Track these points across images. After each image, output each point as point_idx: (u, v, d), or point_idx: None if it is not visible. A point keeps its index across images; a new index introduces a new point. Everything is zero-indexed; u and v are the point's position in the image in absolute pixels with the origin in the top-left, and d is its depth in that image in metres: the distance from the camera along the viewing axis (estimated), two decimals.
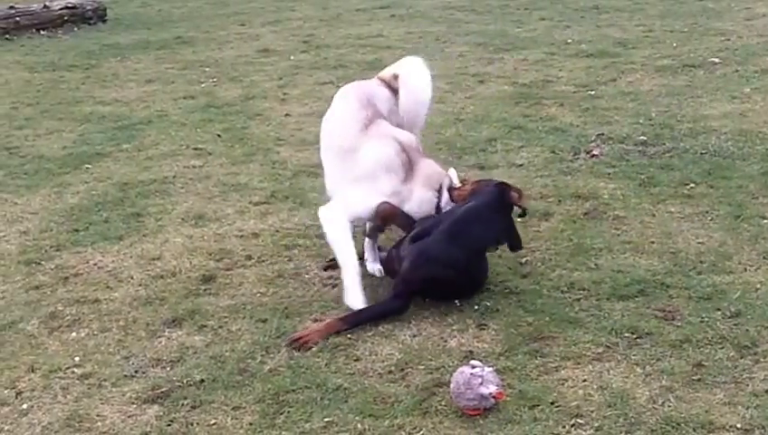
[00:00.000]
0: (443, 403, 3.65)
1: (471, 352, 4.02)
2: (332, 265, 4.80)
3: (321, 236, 5.29)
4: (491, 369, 3.65)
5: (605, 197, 5.72)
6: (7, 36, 12.63)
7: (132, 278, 4.97)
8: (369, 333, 4.22)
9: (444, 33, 11.33)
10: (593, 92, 8.16)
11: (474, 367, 3.61)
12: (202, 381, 3.92)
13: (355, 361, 4.01)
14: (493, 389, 3.55)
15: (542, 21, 11.80)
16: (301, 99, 8.55)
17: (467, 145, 6.89)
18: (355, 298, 4.43)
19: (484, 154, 6.67)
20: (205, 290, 4.80)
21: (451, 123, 7.47)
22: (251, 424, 3.61)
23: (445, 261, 4.36)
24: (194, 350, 4.20)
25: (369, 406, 3.66)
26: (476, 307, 4.40)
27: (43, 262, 5.24)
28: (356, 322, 4.30)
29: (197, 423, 3.65)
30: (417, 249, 4.42)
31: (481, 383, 3.53)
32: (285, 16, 13.27)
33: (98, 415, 3.75)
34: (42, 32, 12.96)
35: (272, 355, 4.09)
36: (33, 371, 4.11)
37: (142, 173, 6.66)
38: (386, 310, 4.38)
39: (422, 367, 3.92)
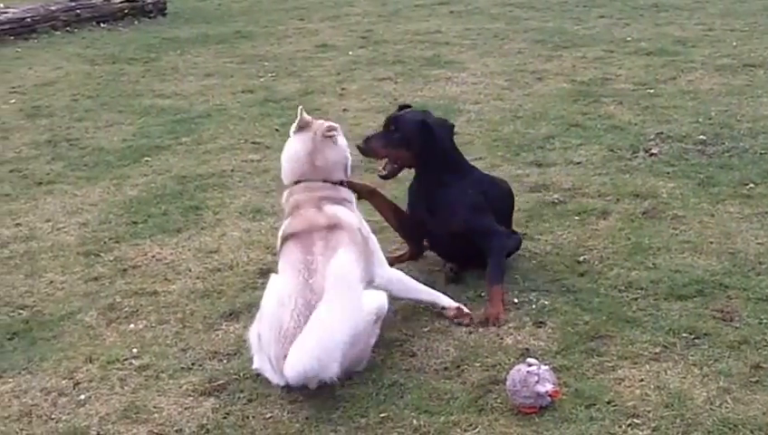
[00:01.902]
0: (498, 401, 3.65)
1: (527, 349, 4.00)
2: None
3: (376, 232, 5.33)
4: (547, 367, 3.64)
5: (664, 196, 5.66)
6: (68, 29, 12.84)
7: (190, 271, 5.02)
8: (426, 329, 4.23)
9: (502, 29, 11.28)
10: (652, 91, 8.07)
11: (530, 365, 3.59)
12: (258, 375, 3.94)
13: (411, 356, 4.02)
14: (549, 387, 3.54)
15: (601, 18, 11.70)
16: (359, 94, 8.57)
17: (525, 142, 6.85)
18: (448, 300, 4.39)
19: (542, 152, 6.63)
20: (262, 284, 4.76)
21: (509, 120, 7.44)
22: (307, 418, 3.63)
23: None
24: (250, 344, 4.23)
25: (424, 402, 3.67)
26: (533, 305, 4.38)
27: (102, 254, 5.32)
28: (500, 273, 4.46)
29: (254, 416, 3.68)
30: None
31: (537, 381, 3.52)
32: (344, 12, 13.31)
33: (155, 407, 3.79)
34: (102, 25, 13.16)
35: None
36: (90, 361, 4.17)
37: (201, 166, 6.73)
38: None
39: (478, 364, 3.92)
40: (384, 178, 4.76)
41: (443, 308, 4.32)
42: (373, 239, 4.34)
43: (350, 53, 10.45)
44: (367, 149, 4.70)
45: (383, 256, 4.37)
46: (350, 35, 11.48)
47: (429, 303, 4.37)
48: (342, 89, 8.79)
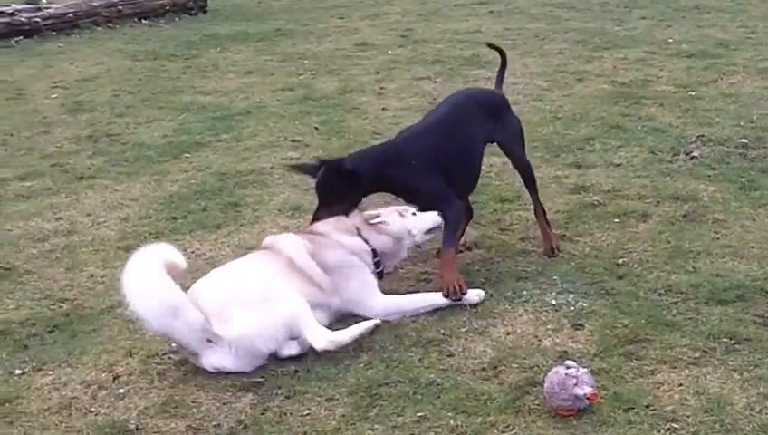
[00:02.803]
0: (536, 403, 3.64)
1: (565, 352, 3.99)
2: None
3: None
4: (586, 370, 3.62)
5: (704, 199, 5.61)
6: (110, 25, 12.97)
7: None
8: (463, 330, 4.22)
9: (543, 30, 11.23)
10: (693, 93, 8.01)
11: (568, 367, 3.58)
12: (296, 371, 3.96)
13: (448, 356, 4.01)
14: (587, 390, 3.52)
15: (643, 20, 11.62)
16: (398, 93, 8.57)
17: (564, 143, 6.82)
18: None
19: (582, 153, 6.60)
20: None
21: (548, 121, 7.41)
22: (344, 416, 3.64)
23: None
24: None
25: (461, 402, 3.66)
26: (571, 307, 4.36)
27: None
28: (453, 239, 4.60)
29: (291, 413, 3.69)
30: None
31: (575, 384, 3.50)
32: (384, 11, 13.32)
33: (193, 401, 3.81)
34: (143, 21, 13.28)
35: (365, 348, 4.11)
36: (130, 355, 4.20)
37: (240, 163, 6.76)
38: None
39: (515, 365, 3.91)
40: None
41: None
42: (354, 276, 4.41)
43: (390, 51, 10.45)
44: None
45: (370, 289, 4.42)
46: (390, 34, 11.48)
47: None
48: (381, 88, 8.80)
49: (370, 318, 4.22)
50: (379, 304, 4.38)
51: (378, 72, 9.48)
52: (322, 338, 4.02)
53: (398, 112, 7.92)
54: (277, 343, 4.02)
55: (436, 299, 4.42)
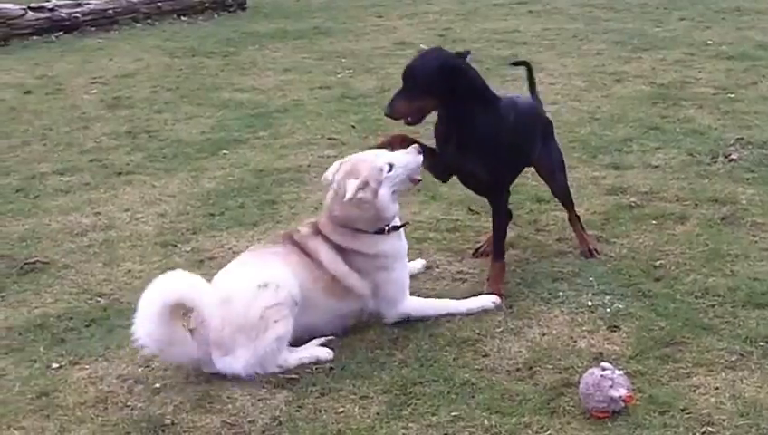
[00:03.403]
0: (571, 404, 3.62)
1: (601, 353, 3.97)
2: (483, 251, 4.94)
3: (452, 230, 5.36)
4: (621, 372, 3.60)
5: (743, 202, 5.56)
6: (149, 21, 13.07)
7: None
8: (498, 330, 4.22)
9: (581, 30, 11.18)
10: (733, 95, 7.93)
11: (604, 369, 3.56)
12: (331, 368, 3.98)
13: (483, 356, 4.01)
14: (623, 392, 3.50)
15: (682, 21, 11.53)
16: None
17: (602, 144, 6.78)
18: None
19: (620, 154, 6.56)
20: None
21: (586, 122, 7.37)
22: (378, 414, 3.65)
23: None
24: (324, 337, 4.25)
25: (496, 403, 3.66)
26: (607, 309, 4.34)
27: (179, 244, 5.40)
28: (502, 252, 4.60)
29: (325, 410, 3.70)
30: None
31: (611, 386, 3.49)
32: (422, 9, 13.31)
33: (228, 397, 3.83)
34: (182, 18, 13.37)
35: (400, 347, 4.12)
36: None
37: (278, 161, 6.78)
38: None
39: (550, 366, 3.90)
40: (410, 124, 4.59)
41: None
42: (385, 276, 4.26)
43: None
44: (394, 113, 4.53)
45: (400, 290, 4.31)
46: (428, 33, 11.47)
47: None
48: None
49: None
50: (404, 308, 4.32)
51: None
52: (272, 364, 3.99)
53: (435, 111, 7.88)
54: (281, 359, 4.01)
55: (459, 306, 4.37)
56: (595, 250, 4.93)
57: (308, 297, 4.08)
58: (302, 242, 4.21)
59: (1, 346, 4.32)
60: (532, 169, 5.04)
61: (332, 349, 4.10)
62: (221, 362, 3.93)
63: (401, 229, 4.38)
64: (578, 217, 5.06)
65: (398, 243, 4.33)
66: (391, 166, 4.24)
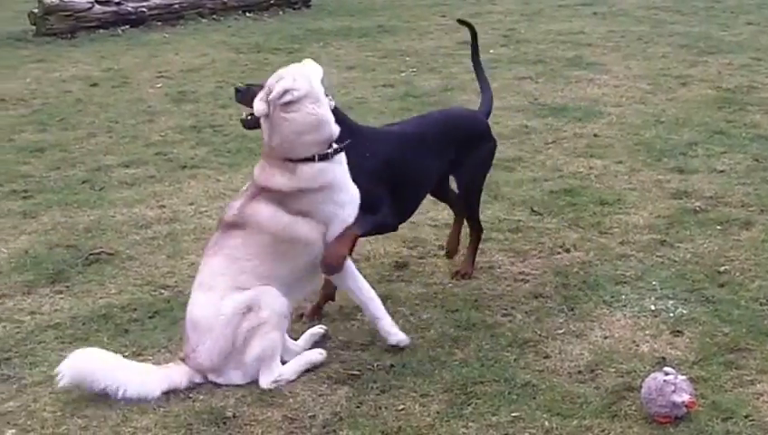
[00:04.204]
0: (632, 408, 3.59)
1: (663, 358, 3.93)
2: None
3: (514, 230, 5.34)
4: (684, 377, 3.57)
5: None
6: (214, 17, 13.19)
7: None
8: (560, 332, 4.20)
9: (647, 33, 11.06)
10: None
11: (667, 374, 3.52)
12: (392, 366, 3.98)
13: (544, 358, 3.99)
14: (685, 397, 3.47)
15: (749, 25, 11.36)
16: (499, 92, 8.46)
17: (667, 148, 6.71)
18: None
19: (684, 158, 6.49)
20: (397, 277, 4.87)
21: (651, 125, 7.30)
22: (438, 412, 3.65)
23: None
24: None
25: (557, 404, 3.64)
26: (671, 314, 4.30)
27: None
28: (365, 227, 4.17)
29: (386, 407, 3.71)
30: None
31: (674, 391, 3.45)
32: (486, 9, 13.27)
33: (289, 392, 3.85)
34: (248, 14, 13.47)
35: (460, 346, 4.12)
36: None
37: None
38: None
39: (612, 370, 3.87)
40: (247, 127, 4.41)
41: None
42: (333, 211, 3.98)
43: (492, 51, 10.40)
44: (243, 99, 4.32)
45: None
46: (492, 33, 11.43)
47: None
48: None
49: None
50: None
51: None
52: (267, 380, 3.94)
53: (499, 112, 7.83)
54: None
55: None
56: (465, 275, 4.78)
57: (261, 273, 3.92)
58: (239, 218, 3.96)
59: (65, 335, 4.38)
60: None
61: (325, 346, 4.14)
62: (221, 380, 3.94)
63: (343, 153, 4.02)
64: (479, 236, 4.89)
65: (340, 169, 4.01)
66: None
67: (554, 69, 9.34)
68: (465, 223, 4.95)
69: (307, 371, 4.00)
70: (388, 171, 4.33)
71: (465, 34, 11.37)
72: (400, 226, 4.58)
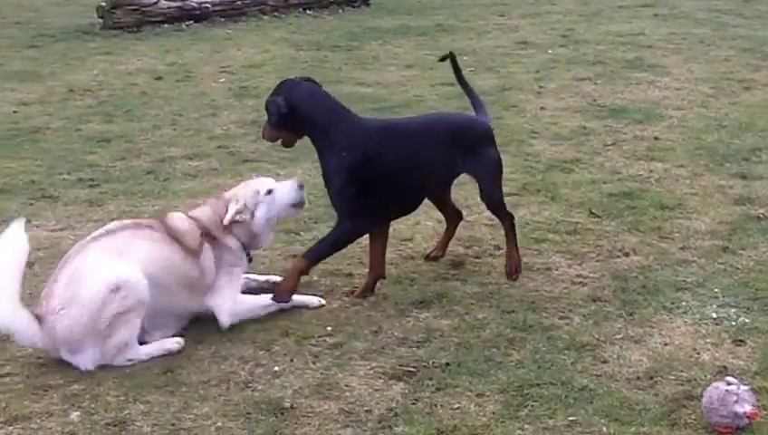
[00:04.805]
0: (692, 417, 3.56)
1: (725, 367, 3.89)
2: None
3: (572, 232, 5.32)
4: (747, 387, 3.52)
5: None
6: (276, 14, 13.28)
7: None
8: (619, 337, 4.17)
9: (708, 35, 10.92)
10: None
11: (729, 383, 3.49)
12: (447, 364, 3.99)
13: (602, 363, 3.97)
14: (748, 408, 3.43)
15: None
16: (557, 93, 8.50)
17: (729, 153, 6.63)
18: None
19: (748, 164, 6.41)
20: (453, 275, 4.87)
21: (713, 129, 7.22)
22: (494, 413, 3.64)
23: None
24: (440, 333, 4.28)
25: (615, 410, 3.61)
26: (733, 322, 4.25)
27: (301, 232, 5.48)
28: (316, 256, 4.54)
29: (441, 405, 3.71)
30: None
31: (736, 401, 3.41)
32: (545, 9, 13.20)
33: (346, 385, 3.88)
34: (308, 11, 13.55)
35: (517, 347, 4.11)
36: (287, 335, 4.30)
37: None
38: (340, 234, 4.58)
39: (672, 377, 3.83)
40: (286, 146, 4.85)
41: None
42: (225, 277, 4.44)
43: (550, 51, 10.36)
44: (266, 138, 4.85)
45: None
46: (551, 33, 11.38)
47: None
48: (540, 87, 8.74)
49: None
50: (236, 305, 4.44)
51: (537, 70, 9.41)
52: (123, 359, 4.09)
53: (557, 112, 7.85)
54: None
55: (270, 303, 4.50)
56: (518, 270, 4.80)
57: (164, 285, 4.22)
58: (176, 227, 4.39)
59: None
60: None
61: (182, 337, 4.26)
62: (69, 357, 4.03)
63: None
64: (514, 231, 4.87)
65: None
66: (270, 191, 4.57)
67: (614, 70, 9.27)
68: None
69: (357, 364, 4.03)
70: (365, 167, 4.49)
71: (523, 34, 11.44)
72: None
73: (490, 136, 4.87)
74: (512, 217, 4.88)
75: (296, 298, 4.52)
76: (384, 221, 4.74)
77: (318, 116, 4.55)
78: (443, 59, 5.14)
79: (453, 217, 5.08)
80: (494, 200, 4.87)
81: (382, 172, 4.54)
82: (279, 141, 4.80)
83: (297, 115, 4.54)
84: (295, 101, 4.54)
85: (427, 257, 5.04)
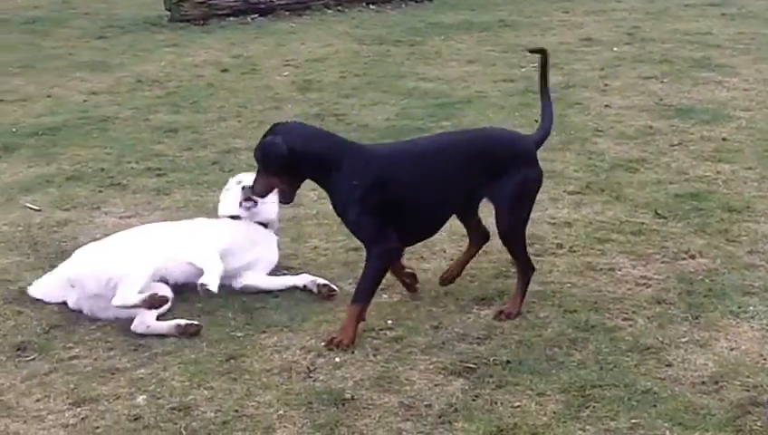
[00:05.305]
0: (758, 424, 3.51)
1: None
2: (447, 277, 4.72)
3: (636, 233, 5.27)
4: None
5: None
6: (339, 8, 13.35)
7: (444, 252, 5.11)
8: (683, 340, 4.12)
9: None
10: None
11: None
12: (508, 362, 3.98)
13: (666, 366, 3.92)
14: None
15: None
16: (622, 91, 8.42)
17: None
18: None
19: None
20: (515, 273, 4.81)
21: None
22: (554, 413, 3.63)
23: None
24: (501, 330, 4.26)
25: (679, 414, 3.57)
26: None
27: None
28: (366, 295, 4.21)
29: (501, 403, 3.70)
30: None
31: None
32: (610, 7, 13.07)
33: (406, 379, 3.89)
34: (371, 6, 13.60)
35: (578, 347, 4.09)
36: None
37: None
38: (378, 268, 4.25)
39: (738, 383, 3.77)
40: (284, 203, 4.59)
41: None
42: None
43: (615, 48, 10.27)
44: (258, 194, 4.50)
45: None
46: (616, 31, 11.27)
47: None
48: (605, 85, 8.67)
49: None
50: None
51: (602, 68, 9.33)
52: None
53: (622, 111, 7.78)
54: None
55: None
56: (509, 315, 4.39)
57: None
58: None
59: (195, 309, 4.53)
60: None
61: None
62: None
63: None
64: (526, 281, 4.45)
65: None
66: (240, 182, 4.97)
67: (681, 69, 9.15)
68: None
69: (417, 358, 4.05)
70: (378, 194, 4.20)
71: (588, 31, 11.33)
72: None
73: (524, 156, 4.40)
74: (532, 268, 4.48)
75: None
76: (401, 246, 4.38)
77: (323, 151, 4.24)
78: (535, 51, 4.71)
79: (478, 238, 4.65)
80: (510, 233, 4.40)
81: (396, 196, 4.23)
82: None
83: (299, 155, 4.20)
84: (294, 140, 4.22)
85: (442, 280, 4.67)
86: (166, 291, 4.49)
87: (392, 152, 4.42)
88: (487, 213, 4.55)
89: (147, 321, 4.32)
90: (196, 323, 4.34)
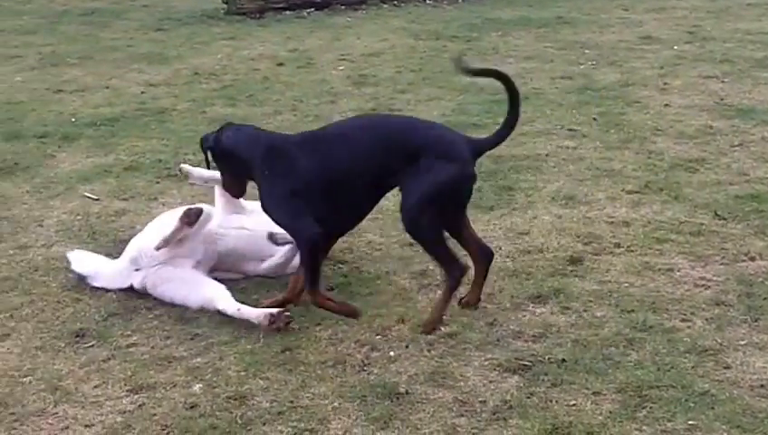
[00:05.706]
0: None
1: None
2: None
3: (695, 234, 5.20)
4: None
5: None
6: (395, 3, 13.37)
7: (500, 249, 5.08)
8: (742, 343, 4.06)
9: None
10: None
11: None
12: (563, 360, 3.95)
13: (725, 368, 3.87)
14: None
15: None
16: (682, 90, 8.31)
17: None
18: None
19: None
20: (571, 271, 4.82)
21: None
22: (610, 412, 3.60)
23: None
24: (556, 328, 4.24)
25: (737, 417, 3.53)
26: None
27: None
28: (310, 282, 4.26)
29: (556, 401, 3.68)
30: None
31: None
32: (670, 5, 12.91)
33: (460, 375, 3.89)
34: (427, 1, 13.58)
35: (636, 347, 4.04)
36: (402, 322, 4.33)
37: (516, 148, 6.76)
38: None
39: None
40: (233, 196, 4.78)
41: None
42: None
43: (675, 47, 10.14)
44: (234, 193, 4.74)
45: None
46: (676, 29, 11.13)
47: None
48: (665, 83, 8.56)
49: None
50: None
51: (662, 66, 9.22)
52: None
53: (682, 110, 7.68)
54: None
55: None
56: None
57: None
58: None
59: (251, 301, 4.55)
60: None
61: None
62: None
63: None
64: (454, 285, 4.32)
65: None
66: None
67: (742, 69, 9.01)
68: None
69: (471, 354, 4.03)
70: (285, 182, 4.27)
71: (647, 29, 11.22)
72: (575, 219, 4.48)
73: (440, 149, 4.25)
74: (459, 270, 4.31)
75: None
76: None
77: (243, 147, 4.40)
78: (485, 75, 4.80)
79: (480, 254, 4.46)
80: (412, 226, 4.28)
81: (302, 183, 4.24)
82: None
83: (227, 151, 4.44)
84: (226, 136, 4.45)
85: (460, 304, 4.47)
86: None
87: (302, 139, 4.45)
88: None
89: (237, 304, 4.38)
90: (288, 313, 4.30)
